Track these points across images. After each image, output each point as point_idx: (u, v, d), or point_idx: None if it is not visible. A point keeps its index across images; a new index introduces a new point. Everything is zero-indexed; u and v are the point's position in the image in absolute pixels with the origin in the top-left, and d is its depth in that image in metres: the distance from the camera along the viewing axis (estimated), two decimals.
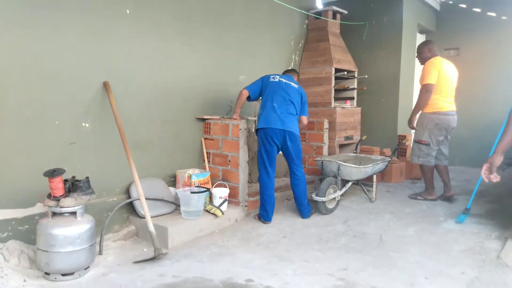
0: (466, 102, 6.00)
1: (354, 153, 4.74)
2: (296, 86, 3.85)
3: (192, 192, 3.44)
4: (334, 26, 5.56)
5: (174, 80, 3.89)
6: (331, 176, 4.03)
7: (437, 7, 6.54)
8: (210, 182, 3.99)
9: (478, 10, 6.15)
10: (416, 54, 4.58)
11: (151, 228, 3.00)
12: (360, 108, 5.75)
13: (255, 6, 4.64)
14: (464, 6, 6.24)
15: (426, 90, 4.13)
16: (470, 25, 6.28)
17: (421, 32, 6.65)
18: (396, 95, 5.67)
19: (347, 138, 5.49)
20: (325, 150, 5.20)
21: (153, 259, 2.87)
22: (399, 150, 5.66)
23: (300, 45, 5.59)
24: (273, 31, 5.11)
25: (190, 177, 3.70)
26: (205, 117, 4.13)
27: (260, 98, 3.89)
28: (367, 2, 5.97)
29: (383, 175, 5.27)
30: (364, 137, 4.92)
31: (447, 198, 4.31)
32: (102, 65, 3.28)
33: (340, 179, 4.00)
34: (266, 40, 4.99)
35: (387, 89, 5.78)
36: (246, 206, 3.98)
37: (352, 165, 3.87)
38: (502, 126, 3.65)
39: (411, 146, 4.49)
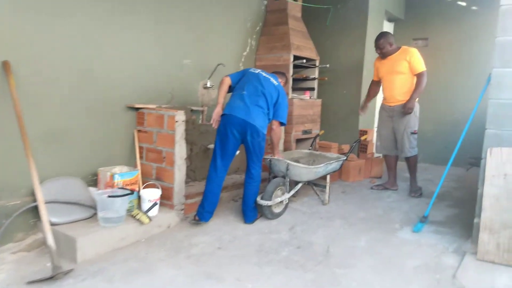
0: (432, 96, 5.69)
1: (309, 149, 4.33)
2: (275, 82, 3.42)
3: (109, 196, 2.93)
4: (295, 8, 5.07)
5: (101, 62, 3.33)
6: (280, 176, 3.61)
7: None
8: (140, 181, 3.49)
9: None
10: (376, 49, 4.26)
11: (50, 241, 2.49)
12: (320, 100, 5.33)
13: None
14: None
15: (425, 76, 4.07)
16: (439, 15, 5.94)
17: (389, 20, 6.26)
18: (359, 86, 5.28)
19: (305, 132, 5.07)
20: (281, 145, 4.77)
21: (50, 278, 2.37)
22: (360, 147, 5.30)
23: (258, 28, 5.08)
24: (227, 10, 4.57)
25: (112, 176, 3.18)
26: (137, 106, 3.59)
27: None
28: None
29: (340, 173, 4.90)
30: (321, 132, 4.52)
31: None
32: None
33: (289, 180, 3.58)
34: (217, 20, 4.46)
35: (349, 80, 5.38)
36: (182, 209, 3.51)
37: (302, 165, 3.45)
38: (467, 124, 3.30)
39: (403, 139, 4.21)
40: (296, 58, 4.87)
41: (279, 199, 3.42)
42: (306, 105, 5.01)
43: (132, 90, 3.61)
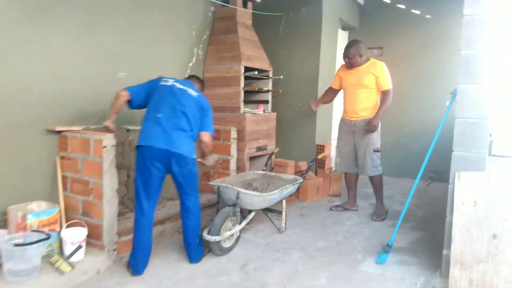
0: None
1: (264, 170, 3.94)
2: (195, 94, 2.92)
3: (16, 245, 2.37)
4: (245, 16, 4.69)
5: (13, 78, 2.77)
6: (230, 204, 3.18)
7: (361, 2, 5.97)
8: (63, 219, 2.93)
9: (403, 6, 5.68)
10: (344, 57, 3.91)
11: None
12: (275, 113, 4.97)
13: None
14: (388, 1, 5.72)
15: (391, 94, 3.86)
16: (394, 23, 5.81)
17: (343, 28, 6.05)
18: (315, 98, 4.96)
19: (260, 149, 4.69)
20: (233, 165, 4.35)
21: None
22: (317, 162, 4.99)
23: (205, 36, 4.65)
24: (169, 17, 4.10)
25: (24, 216, 2.61)
26: (57, 128, 3.03)
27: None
28: None
29: (297, 193, 4.55)
30: (275, 150, 4.15)
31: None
32: None
33: (240, 208, 3.16)
34: (158, 28, 3.98)
35: (305, 91, 5.06)
36: (114, 250, 2.98)
37: (254, 193, 3.04)
38: (433, 140, 3.03)
39: (365, 157, 3.93)
40: (247, 69, 4.49)
41: (229, 233, 2.99)
42: (259, 120, 4.63)
43: (54, 109, 3.06)
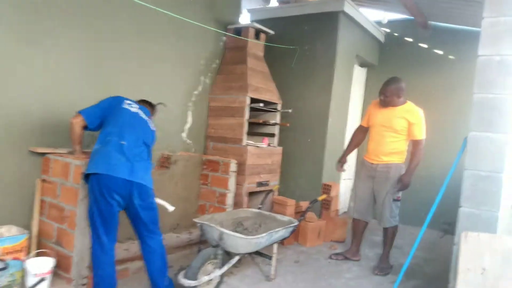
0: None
1: (259, 207, 3.68)
2: (153, 128, 2.82)
3: None
4: (256, 47, 4.58)
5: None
6: (213, 245, 2.92)
7: (381, 39, 5.78)
8: (34, 246, 2.76)
9: (425, 46, 5.44)
10: (380, 94, 3.60)
11: None
12: (281, 148, 4.74)
13: (153, 12, 3.52)
14: (410, 40, 5.51)
15: (423, 145, 3.55)
16: (415, 63, 5.55)
17: (361, 65, 5.85)
18: (323, 135, 4.72)
19: (261, 184, 4.43)
20: (230, 199, 4.11)
21: None
22: (322, 203, 4.67)
23: (214, 65, 4.54)
24: (176, 44, 4.03)
25: None
26: (39, 150, 2.91)
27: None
28: (299, 24, 5.06)
29: (296, 235, 4.23)
30: (275, 187, 3.88)
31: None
32: None
33: (223, 250, 2.90)
34: (164, 53, 3.90)
35: (314, 127, 4.83)
36: (84, 284, 2.76)
37: (238, 235, 2.77)
38: (441, 190, 2.70)
39: (384, 205, 3.59)
40: (254, 100, 4.32)
41: (206, 278, 2.71)
42: (263, 154, 4.41)
43: (40, 130, 2.96)
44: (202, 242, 3.14)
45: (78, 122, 2.65)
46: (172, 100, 4.03)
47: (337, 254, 3.84)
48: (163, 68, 3.92)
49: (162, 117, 3.87)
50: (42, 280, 2.53)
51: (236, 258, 2.92)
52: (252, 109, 4.64)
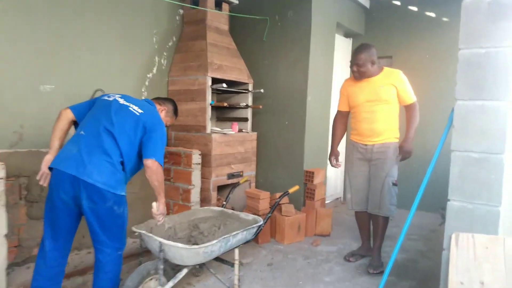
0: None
1: (223, 205, 3.17)
2: (139, 112, 2.23)
3: None
4: (218, 19, 4.00)
5: None
6: (158, 257, 2.41)
7: (367, 4, 5.14)
8: None
9: (415, 9, 4.81)
10: (351, 65, 3.08)
11: None
12: (255, 133, 4.21)
13: None
14: (398, 3, 4.88)
15: (418, 108, 3.07)
16: (405, 29, 4.93)
17: (346, 35, 5.24)
18: (303, 116, 4.16)
19: (232, 176, 3.92)
20: (195, 196, 3.61)
21: None
22: (306, 191, 4.15)
23: (171, 43, 3.98)
24: (121, 19, 3.47)
25: None
26: None
27: None
28: None
29: (273, 232, 3.73)
30: (243, 180, 3.36)
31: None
32: None
33: (166, 263, 2.40)
34: (105, 31, 3.34)
35: (292, 108, 4.26)
36: None
37: (181, 246, 2.26)
38: (427, 172, 2.17)
39: (383, 192, 3.05)
40: (217, 81, 3.77)
41: None
42: (232, 141, 3.88)
43: None
44: (143, 253, 2.64)
45: (65, 114, 2.24)
46: (121, 86, 3.51)
47: (352, 255, 3.31)
48: (105, 49, 3.37)
49: None
50: None
51: (184, 271, 2.43)
52: (220, 91, 4.11)
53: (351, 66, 3.12)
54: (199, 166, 3.63)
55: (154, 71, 3.82)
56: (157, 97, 2.64)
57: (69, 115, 2.25)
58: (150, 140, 2.20)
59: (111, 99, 2.28)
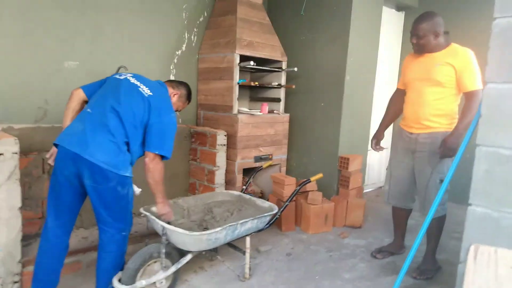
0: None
1: (242, 190, 3.04)
2: (148, 93, 2.14)
3: None
4: None
5: None
6: (164, 241, 2.35)
7: None
8: None
9: None
10: (411, 36, 2.62)
11: None
12: (287, 115, 3.99)
13: None
14: None
15: (479, 98, 2.43)
16: (466, 1, 4.34)
17: (398, 8, 4.74)
18: (340, 97, 3.85)
19: (260, 159, 3.76)
20: (219, 177, 3.52)
21: None
22: (340, 179, 3.89)
23: (202, 18, 3.85)
24: None
25: None
26: None
27: None
28: None
29: (299, 220, 3.54)
30: (265, 164, 3.19)
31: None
32: None
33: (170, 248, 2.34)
34: (129, 7, 3.28)
35: (328, 88, 3.97)
36: (15, 282, 2.38)
37: (182, 231, 2.17)
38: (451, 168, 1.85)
39: (428, 189, 2.66)
40: (247, 58, 3.58)
41: (144, 283, 2.18)
42: (261, 123, 3.70)
43: None
44: (149, 235, 2.60)
45: (76, 94, 2.23)
46: (148, 63, 3.46)
47: (380, 251, 3.04)
48: (132, 26, 3.32)
49: None
50: None
51: (189, 256, 2.35)
52: (255, 70, 3.93)
53: (411, 38, 2.70)
54: (224, 147, 3.51)
55: (184, 48, 3.72)
56: (171, 80, 2.53)
57: (80, 95, 2.23)
58: (155, 129, 2.11)
59: (122, 77, 2.22)
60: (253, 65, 3.49)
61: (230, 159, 3.60)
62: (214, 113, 3.73)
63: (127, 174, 2.08)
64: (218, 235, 2.27)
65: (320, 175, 2.84)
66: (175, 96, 2.41)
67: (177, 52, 3.67)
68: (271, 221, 2.62)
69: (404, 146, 2.78)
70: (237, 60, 3.48)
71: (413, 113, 2.71)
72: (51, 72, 2.90)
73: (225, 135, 3.49)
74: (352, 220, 3.58)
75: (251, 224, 2.45)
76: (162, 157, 2.17)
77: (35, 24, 2.78)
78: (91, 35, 3.07)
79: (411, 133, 2.74)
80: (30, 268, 2.44)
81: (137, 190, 2.44)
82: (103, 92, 2.16)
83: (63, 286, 2.28)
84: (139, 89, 2.16)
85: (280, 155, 3.96)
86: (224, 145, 3.51)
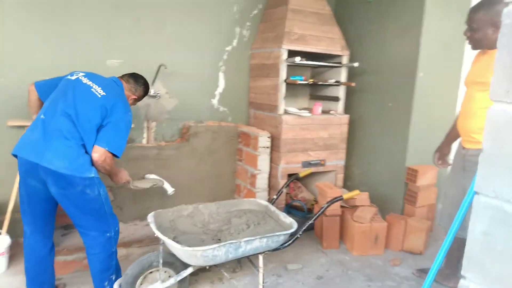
0: None
1: (272, 199, 2.76)
2: (101, 94, 2.10)
3: None
4: None
5: None
6: (160, 250, 2.24)
7: None
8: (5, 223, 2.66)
9: None
10: (466, 32, 2.18)
11: None
12: (347, 116, 3.53)
13: None
14: None
15: None
16: None
17: None
18: (410, 97, 3.25)
19: (310, 164, 3.41)
20: (261, 182, 3.31)
21: None
22: (407, 193, 3.33)
23: (256, 11, 3.61)
24: None
25: None
26: (9, 123, 2.75)
27: None
28: None
29: (343, 236, 3.11)
30: (304, 173, 2.85)
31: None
32: None
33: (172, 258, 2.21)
34: (172, 3, 3.22)
35: (396, 86, 3.38)
36: None
37: (173, 244, 2.00)
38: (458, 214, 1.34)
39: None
40: (296, 53, 3.24)
41: None
42: (311, 124, 3.34)
43: (18, 102, 2.78)
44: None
45: (31, 91, 2.32)
46: (194, 60, 3.39)
47: (422, 271, 2.62)
48: (179, 22, 3.27)
49: (182, 81, 3.30)
50: None
51: (189, 270, 2.20)
52: (314, 66, 3.58)
53: (465, 31, 2.20)
54: (268, 150, 3.27)
55: (234, 43, 3.55)
56: (127, 74, 2.38)
57: (33, 92, 2.25)
58: (107, 127, 2.04)
59: (73, 77, 2.16)
60: (299, 62, 3.14)
61: (274, 162, 3.34)
62: (261, 113, 3.50)
63: (92, 175, 2.00)
64: (216, 252, 2.06)
65: (356, 192, 2.41)
66: (131, 99, 2.36)
67: (226, 48, 3.51)
68: (290, 242, 2.31)
69: (457, 162, 2.30)
70: (284, 55, 3.18)
71: (461, 124, 2.28)
72: (95, 70, 2.99)
73: (268, 137, 3.25)
74: (411, 244, 3.02)
75: (259, 243, 2.18)
76: (114, 155, 2.07)
77: (79, 23, 2.89)
78: (134, 33, 3.10)
79: (463, 148, 2.29)
80: (68, 258, 2.59)
81: (169, 189, 2.44)
82: (54, 96, 2.11)
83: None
84: (92, 89, 2.09)
85: (335, 160, 3.54)
86: (267, 147, 3.26)
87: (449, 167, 2.55)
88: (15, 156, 2.04)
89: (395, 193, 3.45)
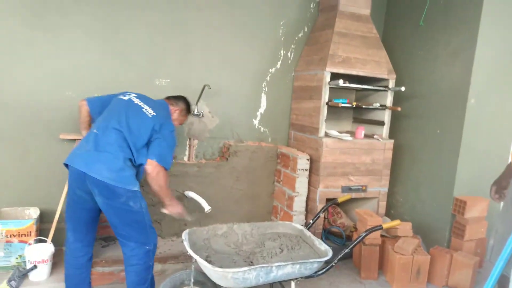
0: None
1: (308, 224, 2.69)
2: (151, 114, 2.27)
3: None
4: (356, 2, 3.37)
5: (27, 81, 2.85)
6: (192, 269, 2.25)
7: None
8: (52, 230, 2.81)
9: None
10: None
11: None
12: (391, 141, 3.41)
13: None
14: None
15: None
16: None
17: None
18: (460, 124, 3.08)
19: (350, 189, 3.31)
20: (298, 205, 3.26)
21: None
22: (454, 225, 3.13)
23: (301, 34, 3.63)
24: (239, 13, 3.37)
25: None
26: (62, 136, 2.92)
27: None
28: None
29: (382, 267, 2.95)
30: (342, 199, 2.77)
31: None
32: None
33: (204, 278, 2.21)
34: (221, 23, 3.31)
35: (445, 113, 3.22)
36: None
37: (205, 264, 1.98)
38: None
39: None
40: (339, 76, 3.21)
41: None
42: (353, 148, 3.26)
43: (71, 116, 2.96)
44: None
45: (81, 105, 2.52)
46: (240, 80, 3.46)
47: None
48: (224, 44, 3.35)
49: (225, 100, 3.38)
50: (33, 267, 2.53)
51: None
52: (359, 89, 3.54)
53: None
54: (306, 173, 3.22)
55: (278, 65, 3.58)
56: (169, 96, 2.59)
57: (84, 106, 2.45)
58: (157, 142, 2.19)
59: (126, 98, 2.35)
60: (342, 84, 3.09)
61: (312, 185, 3.28)
62: (302, 134, 3.47)
63: (136, 188, 2.11)
64: (247, 275, 2.03)
65: (397, 222, 2.30)
66: (175, 112, 2.53)
67: (270, 70, 3.55)
68: (324, 270, 2.24)
69: (510, 197, 2.10)
70: (327, 78, 3.15)
71: None
72: (144, 89, 3.12)
73: (307, 159, 3.21)
74: (457, 281, 2.81)
75: (291, 269, 2.12)
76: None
77: (127, 44, 3.05)
78: (181, 55, 3.22)
79: None
80: (106, 269, 2.68)
81: (206, 207, 2.49)
82: (107, 114, 2.27)
83: None
84: (143, 110, 2.27)
85: (377, 187, 3.41)
86: (306, 170, 3.22)
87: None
88: (66, 166, 2.18)
89: (441, 224, 3.25)
